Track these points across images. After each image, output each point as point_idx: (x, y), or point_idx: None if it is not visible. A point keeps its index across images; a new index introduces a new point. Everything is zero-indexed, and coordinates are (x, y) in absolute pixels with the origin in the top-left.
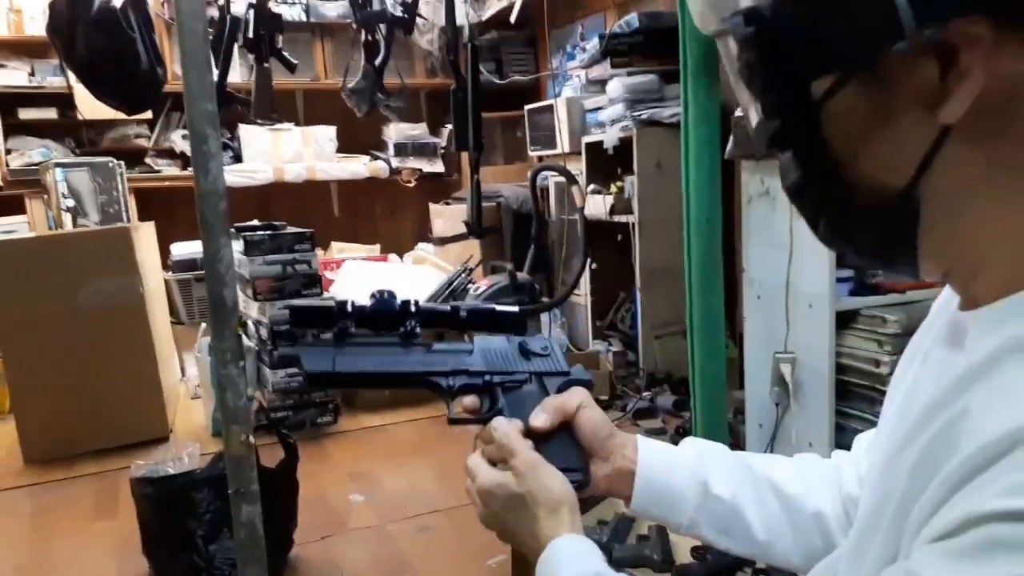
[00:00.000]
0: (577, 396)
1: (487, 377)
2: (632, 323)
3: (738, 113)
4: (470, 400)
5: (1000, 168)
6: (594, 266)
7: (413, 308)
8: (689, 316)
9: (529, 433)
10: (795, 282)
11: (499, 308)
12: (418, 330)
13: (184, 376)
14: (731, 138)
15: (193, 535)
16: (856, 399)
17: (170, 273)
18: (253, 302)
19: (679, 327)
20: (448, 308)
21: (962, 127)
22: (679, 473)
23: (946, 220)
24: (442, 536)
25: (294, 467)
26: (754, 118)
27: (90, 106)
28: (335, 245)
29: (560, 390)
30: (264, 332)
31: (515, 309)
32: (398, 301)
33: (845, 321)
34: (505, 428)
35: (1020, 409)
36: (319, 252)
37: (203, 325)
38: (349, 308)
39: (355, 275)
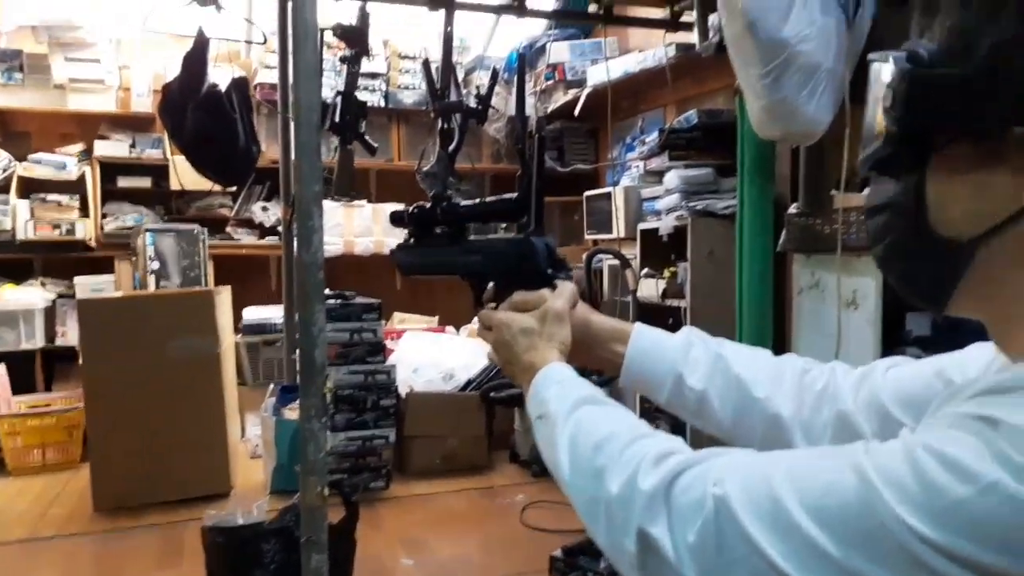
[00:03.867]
0: (574, 294)
1: (496, 277)
2: None
3: (791, 210)
4: (488, 293)
5: None
6: None
7: (439, 213)
8: None
9: None
10: None
11: (496, 199)
12: (467, 229)
13: (244, 436)
14: (784, 232)
15: None
16: None
17: (240, 336)
18: None
19: None
20: (470, 206)
21: None
22: (660, 364)
23: (990, 279)
24: None
25: (353, 526)
26: (868, 144)
27: (183, 177)
28: (396, 315)
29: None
30: (328, 396)
31: (512, 196)
32: (443, 207)
33: None
34: (524, 295)
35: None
36: (383, 322)
37: (271, 386)
38: (407, 214)
39: (414, 346)
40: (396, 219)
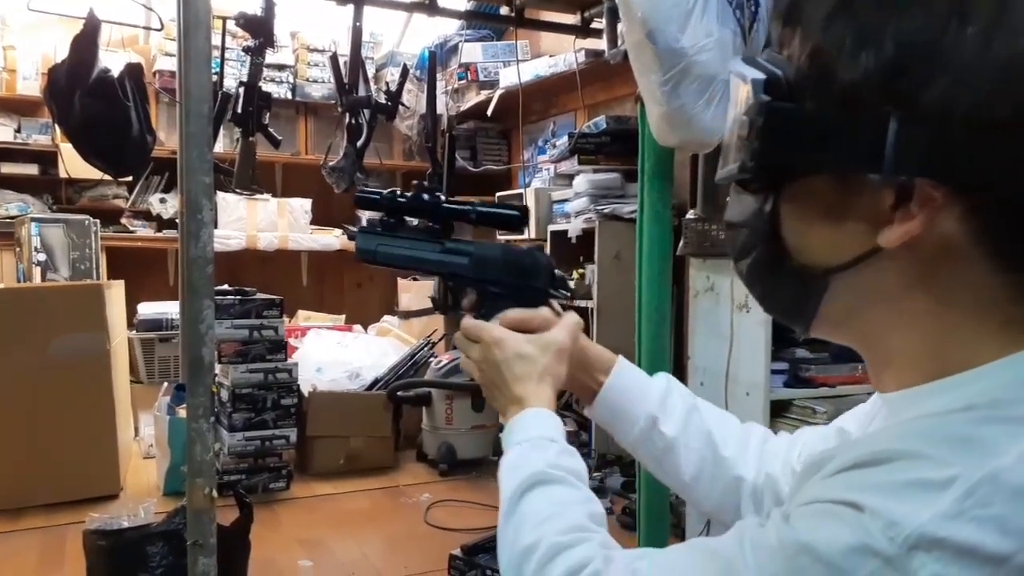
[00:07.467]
0: (578, 327)
1: (483, 285)
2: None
3: (689, 216)
4: (469, 300)
5: (913, 295)
6: None
7: (435, 205)
8: None
9: None
10: (734, 371)
11: (503, 209)
12: (451, 227)
13: (138, 435)
14: (682, 237)
15: None
16: None
17: (134, 332)
18: (216, 364)
19: None
20: (466, 207)
21: (893, 251)
22: (638, 403)
23: (848, 311)
24: None
25: (248, 528)
26: (728, 161)
27: (72, 166)
28: (301, 313)
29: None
30: (225, 394)
31: (516, 212)
32: (429, 198)
33: (779, 410)
34: (524, 313)
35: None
36: (285, 319)
37: (165, 384)
38: (393, 198)
39: (318, 344)
40: (365, 202)
